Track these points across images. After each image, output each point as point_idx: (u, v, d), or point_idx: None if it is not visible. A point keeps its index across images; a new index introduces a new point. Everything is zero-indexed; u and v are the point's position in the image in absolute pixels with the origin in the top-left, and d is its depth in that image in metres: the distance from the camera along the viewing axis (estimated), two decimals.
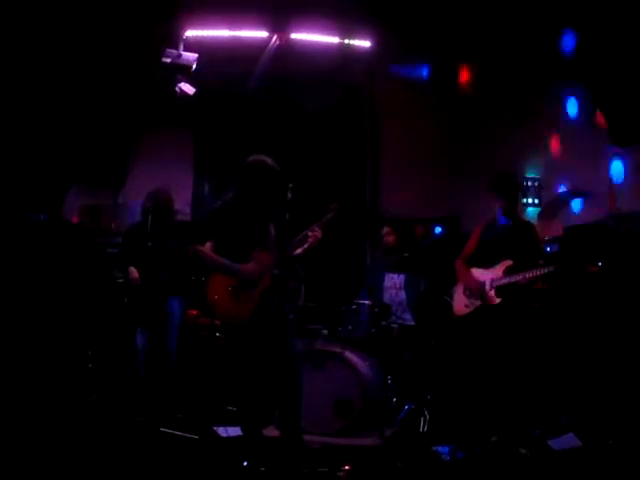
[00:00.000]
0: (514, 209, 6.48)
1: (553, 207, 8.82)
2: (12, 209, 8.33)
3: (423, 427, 6.62)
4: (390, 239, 7.91)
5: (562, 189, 8.73)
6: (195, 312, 8.13)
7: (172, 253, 6.96)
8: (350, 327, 7.10)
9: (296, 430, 5.51)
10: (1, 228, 8.09)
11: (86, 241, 8.63)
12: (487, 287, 6.31)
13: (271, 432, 5.99)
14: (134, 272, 7.05)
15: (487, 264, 6.39)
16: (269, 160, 5.57)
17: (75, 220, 9.53)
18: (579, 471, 5.21)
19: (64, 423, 6.38)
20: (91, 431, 6.18)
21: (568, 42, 7.99)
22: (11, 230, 8.15)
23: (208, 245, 5.55)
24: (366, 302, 7.12)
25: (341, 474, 5.36)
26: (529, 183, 8.90)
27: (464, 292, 6.53)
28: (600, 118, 7.63)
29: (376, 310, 7.04)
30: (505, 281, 6.20)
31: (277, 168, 5.55)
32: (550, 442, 5.51)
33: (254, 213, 5.59)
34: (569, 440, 5.51)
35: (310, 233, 5.59)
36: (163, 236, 7.00)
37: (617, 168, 7.71)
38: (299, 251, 5.64)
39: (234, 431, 6.00)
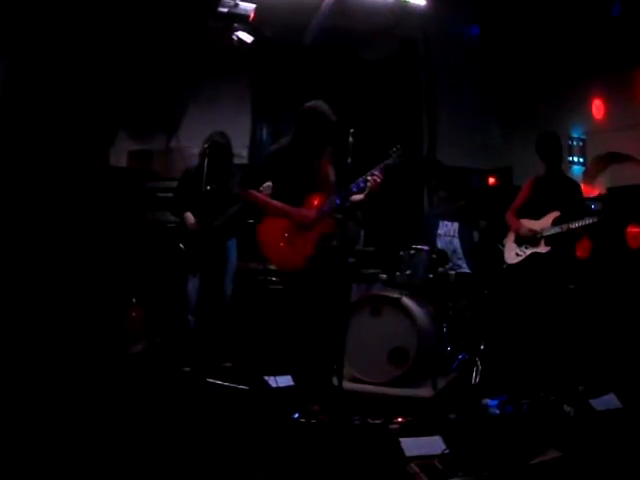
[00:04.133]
0: (559, 167, 6.87)
1: (597, 167, 9.23)
2: (61, 153, 8.29)
3: (475, 378, 6.54)
4: None
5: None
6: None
7: (230, 196, 6.75)
8: (408, 272, 6.93)
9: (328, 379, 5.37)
10: (50, 173, 8.06)
11: (135, 185, 8.55)
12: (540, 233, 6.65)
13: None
14: (190, 218, 6.89)
15: (535, 216, 6.76)
16: (324, 106, 5.51)
17: (124, 164, 9.47)
18: (619, 432, 5.03)
19: (108, 372, 6.34)
20: (135, 382, 6.10)
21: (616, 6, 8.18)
22: (59, 175, 8.13)
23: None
24: (424, 247, 6.95)
25: (394, 426, 5.18)
26: (574, 142, 9.33)
27: (515, 241, 6.84)
28: None
29: (434, 256, 6.88)
30: (555, 230, 6.55)
31: (330, 113, 5.48)
32: (592, 401, 5.40)
33: (308, 157, 5.53)
34: (610, 401, 5.42)
35: (370, 177, 5.39)
36: (221, 179, 6.80)
37: None
38: (361, 197, 5.48)
39: (285, 381, 5.81)
